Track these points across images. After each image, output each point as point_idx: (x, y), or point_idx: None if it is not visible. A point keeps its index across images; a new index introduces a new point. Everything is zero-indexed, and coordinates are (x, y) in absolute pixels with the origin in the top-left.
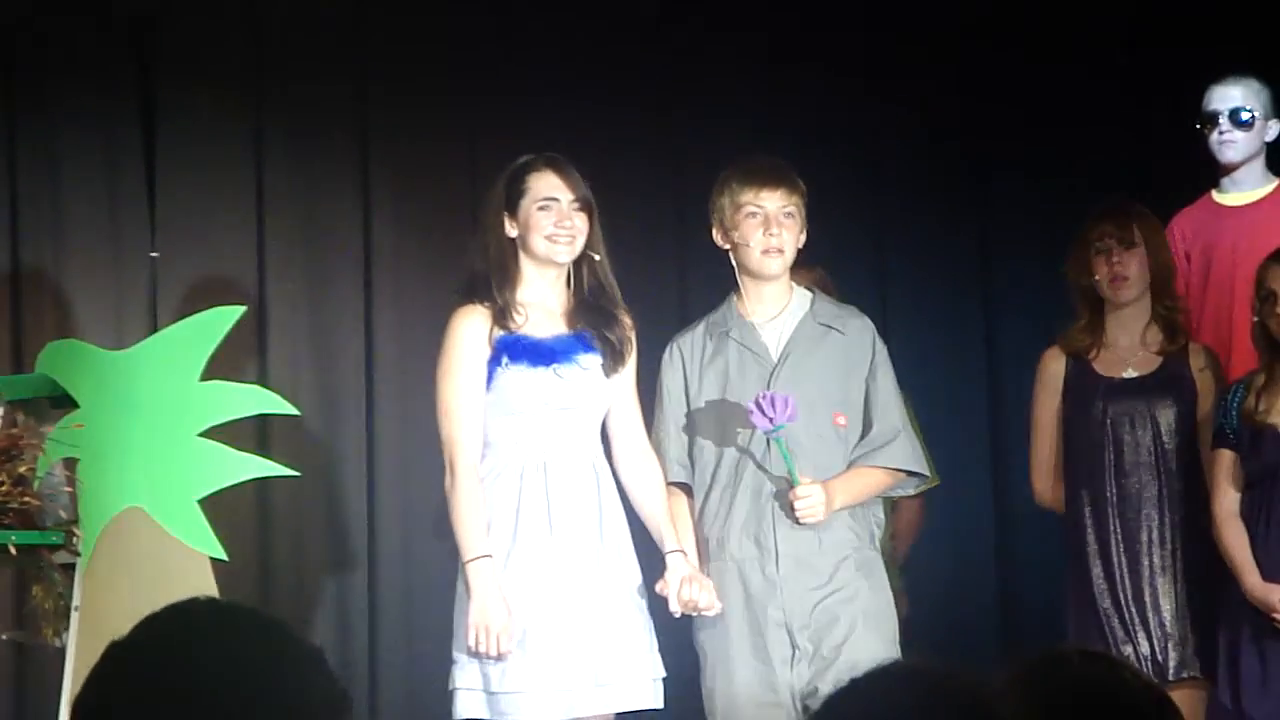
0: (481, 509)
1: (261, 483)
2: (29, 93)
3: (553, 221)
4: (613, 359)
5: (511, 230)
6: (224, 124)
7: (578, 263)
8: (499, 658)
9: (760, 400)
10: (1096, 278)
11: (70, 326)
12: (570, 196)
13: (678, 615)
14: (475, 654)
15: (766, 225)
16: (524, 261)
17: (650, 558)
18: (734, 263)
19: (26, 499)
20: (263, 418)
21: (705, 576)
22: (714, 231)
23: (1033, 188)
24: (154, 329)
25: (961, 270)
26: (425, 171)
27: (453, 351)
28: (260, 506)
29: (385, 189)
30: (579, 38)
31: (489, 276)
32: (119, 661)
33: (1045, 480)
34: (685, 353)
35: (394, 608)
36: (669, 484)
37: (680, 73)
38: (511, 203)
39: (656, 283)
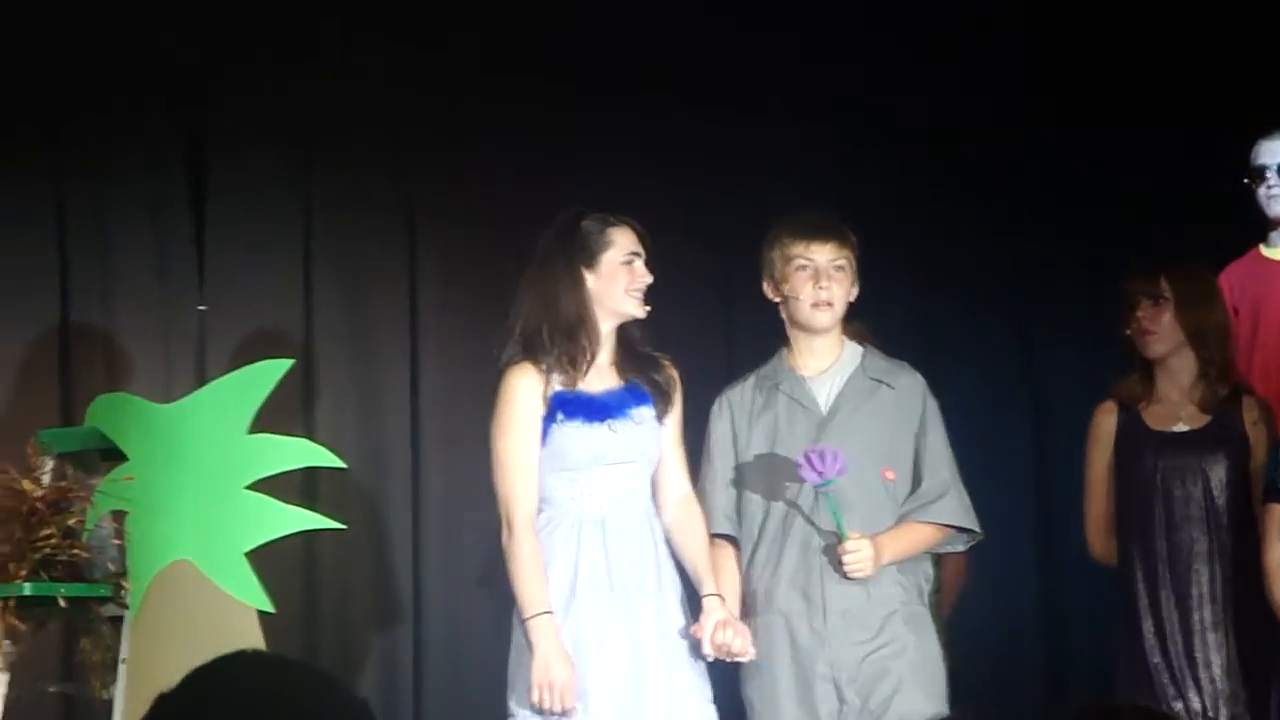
0: (540, 565)
1: (308, 535)
2: (78, 144)
3: (636, 277)
4: (663, 404)
5: (589, 283)
6: (272, 178)
7: None
8: (562, 714)
9: (809, 454)
10: (1128, 332)
11: (119, 379)
12: (641, 250)
13: (710, 659)
14: (538, 710)
15: (816, 279)
16: (594, 316)
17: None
18: (784, 316)
19: (75, 551)
20: (309, 471)
21: (741, 623)
22: (764, 284)
23: (1080, 228)
24: (202, 382)
25: (1007, 314)
26: (471, 227)
27: (508, 408)
28: (306, 559)
29: (431, 243)
30: (622, 92)
31: (552, 331)
32: (167, 714)
33: (1099, 534)
34: (734, 405)
35: (439, 660)
36: (714, 535)
37: (735, 134)
38: (590, 256)
39: (704, 336)
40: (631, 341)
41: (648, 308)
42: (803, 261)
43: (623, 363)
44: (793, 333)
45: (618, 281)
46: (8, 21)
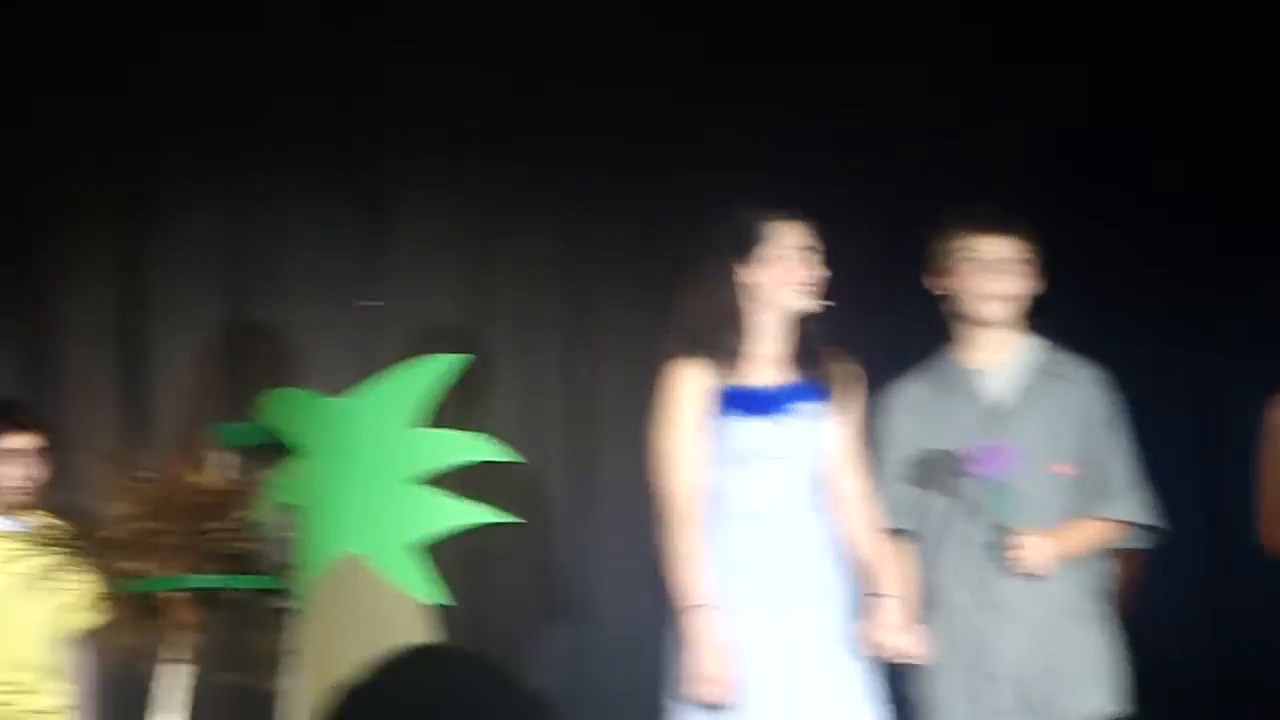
0: (699, 558)
1: (477, 530)
2: (252, 139)
3: (795, 270)
4: (834, 400)
5: (745, 278)
6: (443, 174)
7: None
8: (720, 707)
9: (980, 449)
10: None
11: (290, 373)
12: (808, 245)
13: (881, 659)
14: (694, 703)
15: (988, 270)
16: (753, 310)
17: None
18: (955, 309)
19: (247, 544)
20: (479, 465)
21: (912, 621)
22: (933, 277)
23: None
24: (373, 376)
25: (1176, 310)
26: (639, 216)
27: (671, 403)
28: (475, 553)
29: (599, 233)
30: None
31: (710, 325)
32: (342, 707)
33: (1275, 531)
34: (905, 399)
35: (606, 657)
36: (886, 530)
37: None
38: (746, 250)
39: (866, 327)
40: (809, 336)
41: (823, 301)
42: (975, 253)
43: (796, 358)
44: (960, 326)
45: (777, 276)
46: (196, 28)
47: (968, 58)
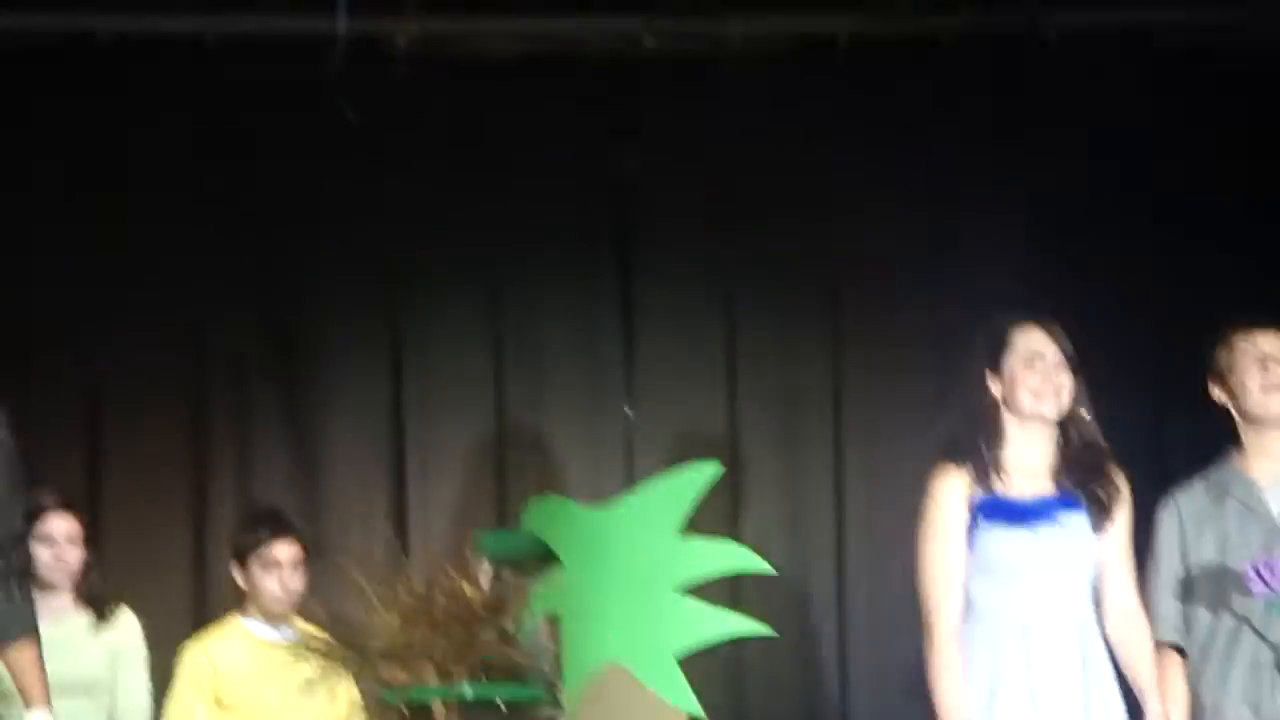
0: (960, 674)
1: (735, 640)
2: (513, 251)
3: (1039, 378)
4: (1102, 516)
5: (996, 388)
6: (697, 284)
7: (1064, 420)
8: None
9: (1259, 565)
10: None
11: (552, 482)
12: (1055, 352)
13: None
14: None
15: (1263, 363)
16: (1009, 419)
17: None
18: (1234, 415)
19: (512, 654)
20: (737, 575)
21: None
22: (1210, 386)
23: None
24: (631, 485)
25: None
26: (895, 329)
27: (932, 513)
28: (734, 664)
29: (857, 346)
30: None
31: (970, 435)
32: None
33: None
34: (1183, 509)
35: None
36: (1159, 643)
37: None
38: (995, 360)
39: (1131, 436)
40: (1073, 445)
41: (1083, 409)
42: (1248, 348)
43: (1062, 469)
44: (1244, 431)
45: (1021, 384)
46: (453, 132)
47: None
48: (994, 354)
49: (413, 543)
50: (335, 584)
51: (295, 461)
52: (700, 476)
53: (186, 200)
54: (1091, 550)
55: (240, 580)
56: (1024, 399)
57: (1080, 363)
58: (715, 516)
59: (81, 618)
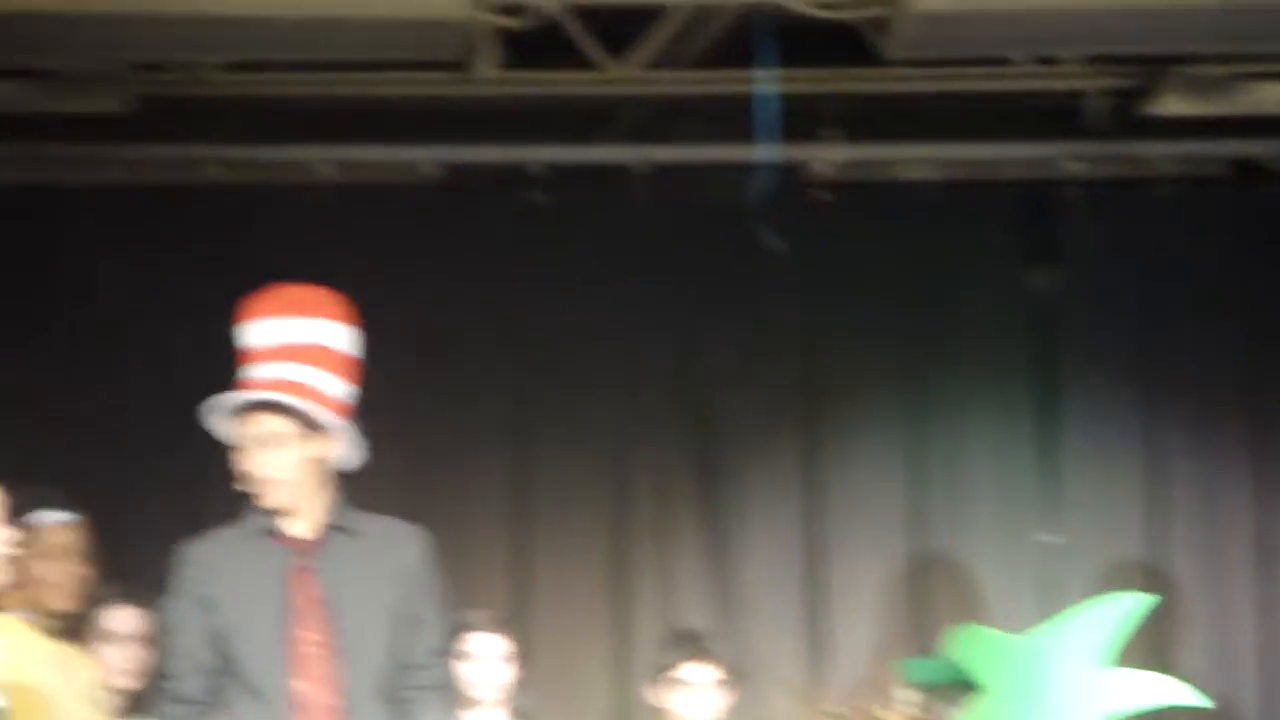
0: None
1: None
2: (935, 379)
3: None
4: None
5: None
6: (1123, 403)
7: None
8: None
9: None
10: None
11: (971, 610)
12: None
13: None
14: None
15: None
16: None
17: None
18: None
19: None
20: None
21: None
22: None
23: None
24: (1048, 612)
25: None
26: None
27: None
28: None
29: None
30: None
31: None
32: None
33: None
34: None
35: None
36: None
37: None
38: None
39: None
40: None
41: None
42: None
43: None
44: None
45: None
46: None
47: None
48: None
49: (831, 667)
50: (755, 708)
51: (714, 584)
52: (1131, 606)
53: (609, 323)
54: None
55: (654, 700)
56: None
57: None
58: (1144, 646)
59: None
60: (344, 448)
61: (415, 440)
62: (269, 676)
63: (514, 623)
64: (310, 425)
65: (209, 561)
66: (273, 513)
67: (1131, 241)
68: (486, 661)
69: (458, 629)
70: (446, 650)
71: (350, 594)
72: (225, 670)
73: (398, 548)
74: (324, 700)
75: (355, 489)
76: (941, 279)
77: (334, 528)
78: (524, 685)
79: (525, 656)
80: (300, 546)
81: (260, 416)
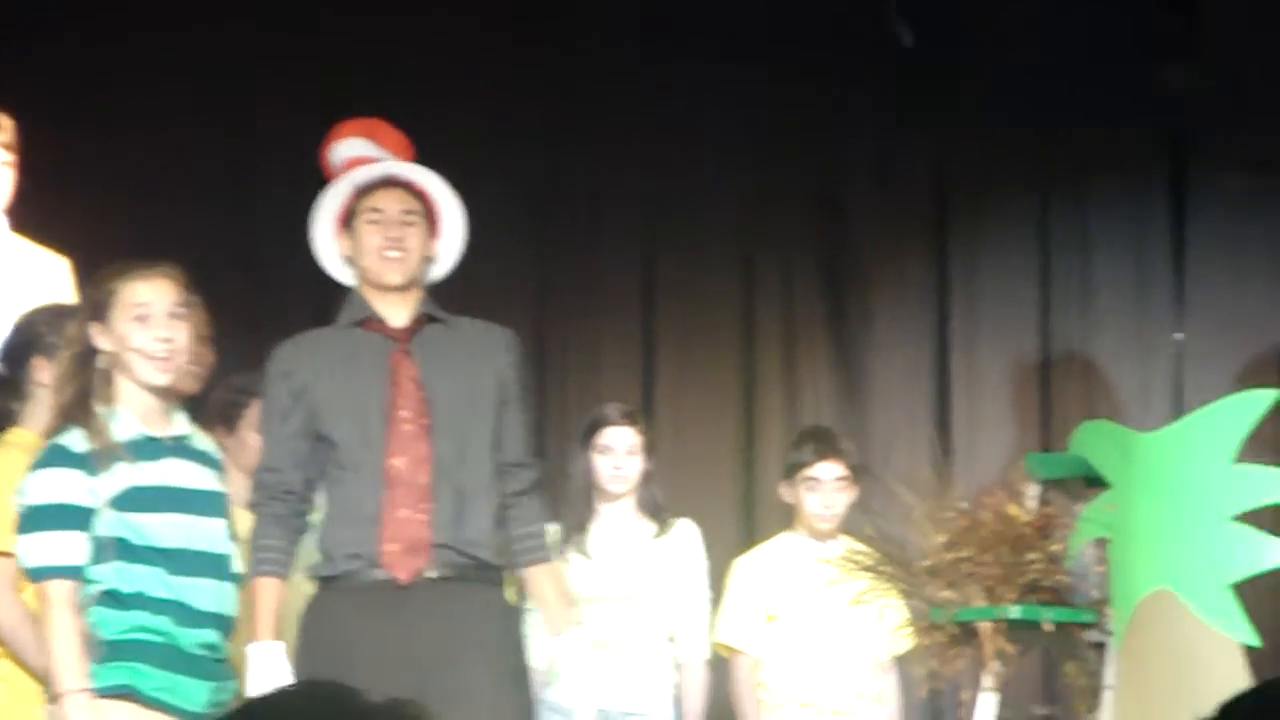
0: None
1: None
2: (1065, 179)
3: None
4: None
5: None
6: (1248, 208)
7: None
8: None
9: None
10: None
11: (1097, 406)
12: None
13: None
14: None
15: None
16: None
17: None
18: None
19: (1060, 577)
20: None
21: None
22: None
23: None
24: (1179, 410)
25: None
26: None
27: None
28: None
29: None
30: None
31: None
32: None
33: None
34: None
35: None
36: None
37: None
38: None
39: None
40: None
41: None
42: None
43: None
44: None
45: None
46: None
47: None
48: None
49: (958, 464)
50: (882, 504)
51: (841, 381)
52: (1255, 404)
53: (736, 123)
54: None
55: (787, 497)
56: None
57: None
58: (1271, 444)
59: (643, 526)
60: (446, 253)
61: (546, 244)
62: (367, 450)
63: (644, 416)
64: (431, 220)
65: (307, 352)
66: (369, 304)
67: (1268, 37)
68: (618, 454)
69: (591, 424)
70: (532, 454)
71: (447, 379)
72: (321, 454)
73: (490, 344)
74: (419, 479)
75: (487, 289)
76: (1072, 76)
77: (430, 318)
78: (653, 478)
79: (654, 450)
80: (397, 335)
81: (398, 192)
